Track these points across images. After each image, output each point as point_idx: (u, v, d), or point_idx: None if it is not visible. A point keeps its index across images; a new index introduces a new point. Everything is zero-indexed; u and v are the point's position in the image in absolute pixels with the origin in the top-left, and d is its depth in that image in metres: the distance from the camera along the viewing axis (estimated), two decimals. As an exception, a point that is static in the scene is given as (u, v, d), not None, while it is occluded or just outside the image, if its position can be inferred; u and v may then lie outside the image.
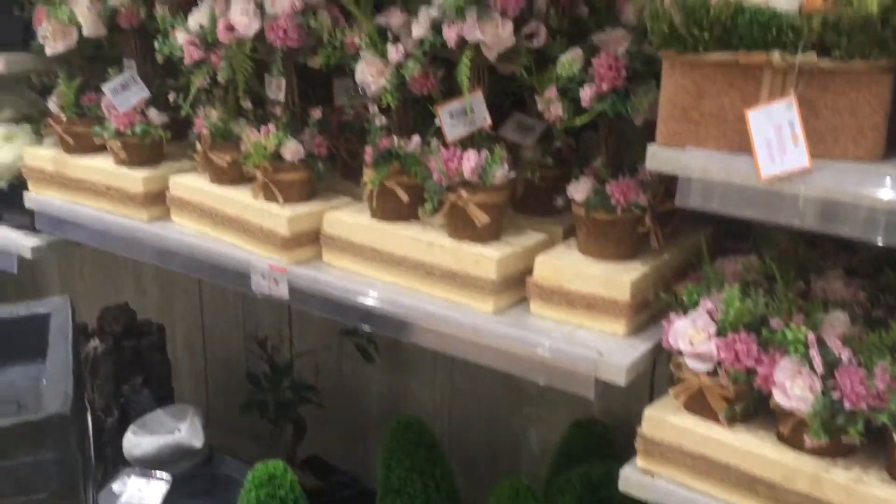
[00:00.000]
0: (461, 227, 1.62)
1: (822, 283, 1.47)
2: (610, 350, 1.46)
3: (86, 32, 1.96)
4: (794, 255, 1.60)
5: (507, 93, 1.79)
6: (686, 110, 1.26)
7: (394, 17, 1.65)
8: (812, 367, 1.24)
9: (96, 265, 3.29)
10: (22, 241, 2.25)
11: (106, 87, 1.99)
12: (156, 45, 1.85)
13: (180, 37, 1.82)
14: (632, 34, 1.50)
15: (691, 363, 1.35)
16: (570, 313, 1.54)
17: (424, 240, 1.65)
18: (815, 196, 1.16)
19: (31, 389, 1.74)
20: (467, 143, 1.62)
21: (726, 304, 1.32)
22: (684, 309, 1.42)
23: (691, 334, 1.35)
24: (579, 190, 1.55)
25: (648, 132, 1.48)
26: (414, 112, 1.74)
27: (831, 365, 1.23)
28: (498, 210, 1.63)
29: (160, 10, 1.89)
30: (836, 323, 1.31)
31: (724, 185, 1.22)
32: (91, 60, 2.12)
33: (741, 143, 1.23)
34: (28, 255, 2.25)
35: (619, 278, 1.49)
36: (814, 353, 1.24)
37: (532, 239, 1.66)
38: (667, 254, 1.61)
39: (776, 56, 1.17)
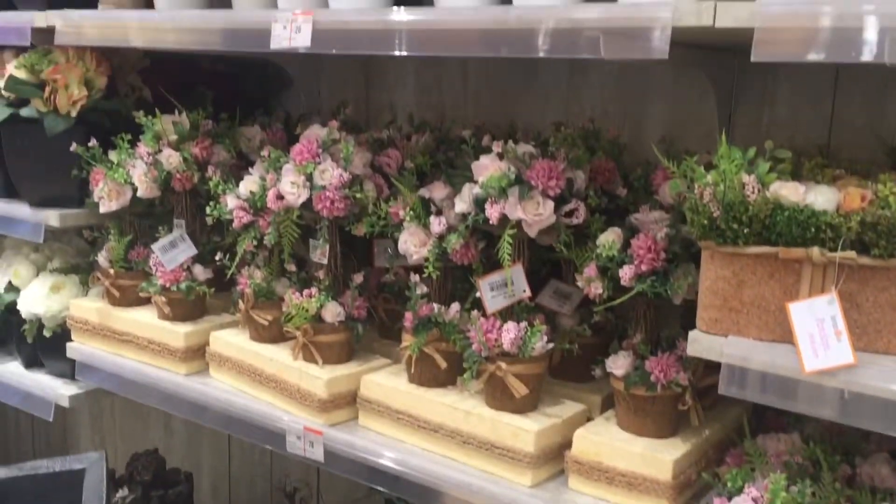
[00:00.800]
0: (499, 396, 1.63)
1: (867, 468, 1.44)
2: (652, 533, 1.43)
3: (140, 194, 2.04)
4: (836, 433, 1.57)
5: (545, 260, 1.83)
6: (727, 299, 1.29)
7: (437, 190, 1.72)
8: (864, 566, 1.20)
9: (126, 403, 3.30)
10: (60, 390, 2.28)
11: (155, 247, 2.06)
12: (207, 209, 1.92)
13: (230, 201, 1.89)
14: (669, 215, 1.54)
15: (737, 553, 1.31)
16: (609, 491, 1.52)
17: (462, 408, 1.65)
18: (859, 392, 1.16)
19: (60, 551, 1.73)
20: (506, 314, 1.64)
21: (772, 493, 1.30)
22: (728, 492, 1.40)
23: (736, 522, 1.32)
24: (618, 365, 1.56)
25: (685, 306, 1.50)
26: (454, 278, 1.77)
27: (884, 565, 1.20)
28: (536, 381, 1.63)
29: (213, 176, 1.97)
30: (887, 517, 1.28)
31: (767, 377, 1.23)
32: (141, 216, 2.20)
33: (783, 334, 1.25)
34: (65, 403, 2.27)
35: (660, 457, 1.47)
36: (865, 551, 1.20)
37: (570, 410, 1.66)
38: (707, 429, 1.59)
39: (816, 253, 1.20)
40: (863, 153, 1.66)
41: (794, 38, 1.14)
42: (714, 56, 1.70)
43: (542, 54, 1.37)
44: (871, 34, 1.09)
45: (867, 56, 1.09)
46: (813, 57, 1.13)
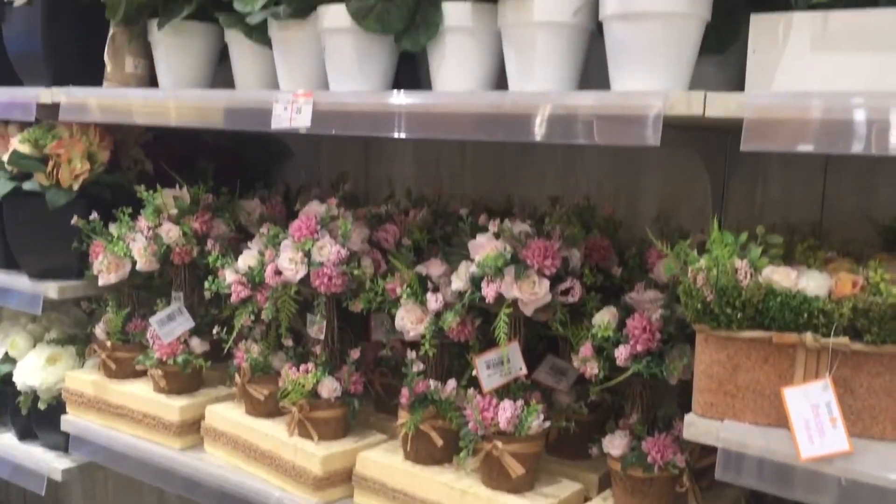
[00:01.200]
0: (496, 476, 1.62)
1: (868, 553, 1.43)
2: None
3: (139, 267, 2.05)
4: (836, 515, 1.56)
5: (541, 336, 1.83)
6: (721, 383, 1.29)
7: (433, 268, 1.73)
8: None
9: (120, 475, 3.25)
10: (53, 463, 2.26)
11: (153, 320, 2.06)
12: (205, 284, 1.93)
13: (229, 276, 1.91)
14: (663, 294, 1.55)
15: None
16: (607, 574, 1.50)
17: (458, 487, 1.64)
18: (856, 480, 1.15)
19: None
20: (503, 391, 1.64)
21: (771, 580, 1.29)
22: (727, 578, 1.38)
23: None
24: (615, 445, 1.55)
25: (681, 384, 1.50)
26: (450, 354, 1.78)
27: None
28: (533, 460, 1.63)
29: (212, 250, 1.99)
30: None
31: (764, 463, 1.22)
32: (139, 289, 2.21)
33: (779, 418, 1.25)
34: (58, 477, 2.25)
35: (658, 541, 1.46)
36: None
37: (567, 489, 1.65)
38: (706, 511, 1.58)
39: (809, 338, 1.21)
40: (855, 231, 1.68)
41: (784, 130, 1.16)
42: (706, 136, 1.73)
43: (537, 139, 1.39)
44: (859, 126, 1.11)
45: (856, 148, 1.11)
46: (802, 148, 1.15)
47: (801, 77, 1.24)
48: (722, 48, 1.43)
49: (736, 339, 1.27)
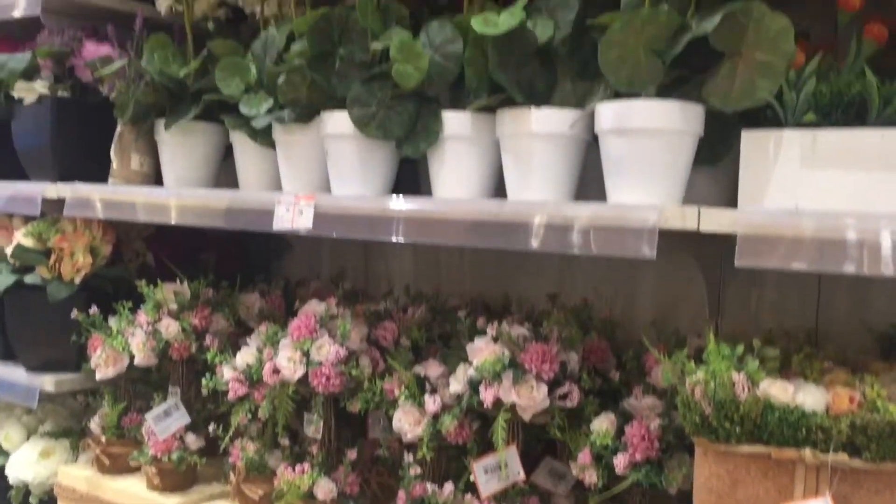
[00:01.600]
0: (493, 584, 1.59)
1: None
2: None
3: (137, 362, 2.05)
4: None
5: (540, 438, 1.82)
6: (721, 497, 1.28)
7: (431, 368, 1.73)
8: None
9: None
10: (41, 562, 2.22)
11: (149, 416, 2.05)
12: (202, 381, 1.92)
13: (227, 373, 1.90)
14: (662, 401, 1.55)
15: None
16: None
17: None
18: None
19: None
20: (501, 497, 1.62)
21: None
22: None
23: None
24: (615, 555, 1.53)
25: (682, 494, 1.49)
26: (448, 457, 1.76)
27: None
28: (531, 569, 1.60)
29: (211, 346, 1.99)
30: None
31: (765, 583, 1.21)
32: (136, 382, 2.20)
33: (780, 535, 1.23)
34: (45, 577, 2.20)
35: None
36: None
37: None
38: None
39: (808, 454, 1.20)
40: (851, 335, 1.69)
41: (777, 247, 1.18)
42: (701, 242, 1.76)
43: (534, 247, 1.41)
44: (851, 247, 1.13)
45: (848, 268, 1.13)
46: (796, 266, 1.17)
47: (792, 192, 1.27)
48: (714, 161, 1.46)
49: (735, 453, 1.26)
